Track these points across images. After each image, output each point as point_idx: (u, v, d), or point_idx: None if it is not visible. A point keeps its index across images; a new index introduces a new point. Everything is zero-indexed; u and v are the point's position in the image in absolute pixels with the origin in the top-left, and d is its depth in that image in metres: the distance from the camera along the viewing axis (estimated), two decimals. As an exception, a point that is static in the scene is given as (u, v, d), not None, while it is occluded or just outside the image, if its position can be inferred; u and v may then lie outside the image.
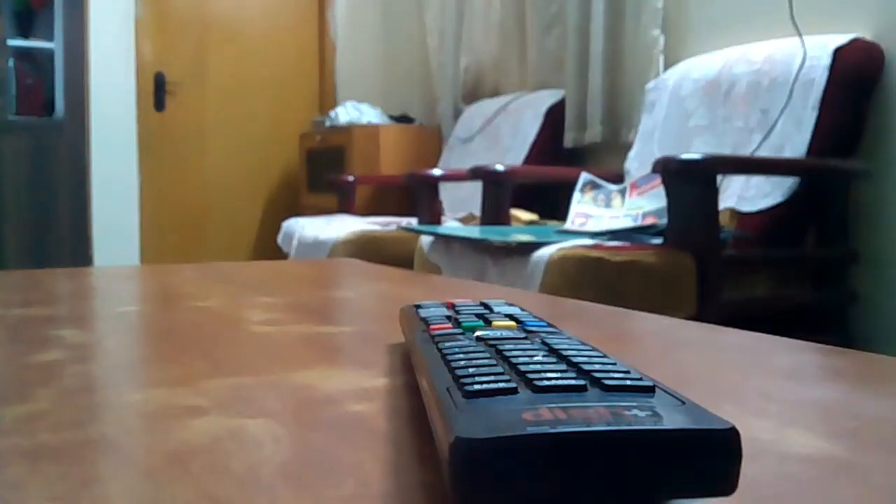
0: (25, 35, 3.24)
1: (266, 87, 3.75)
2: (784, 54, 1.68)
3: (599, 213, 1.80)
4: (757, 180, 1.63)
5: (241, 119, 3.70)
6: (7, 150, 3.05)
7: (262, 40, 3.75)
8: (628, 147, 2.06)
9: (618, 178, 1.97)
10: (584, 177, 1.89)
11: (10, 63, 3.14)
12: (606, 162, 2.30)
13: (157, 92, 3.45)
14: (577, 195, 1.87)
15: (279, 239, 2.56)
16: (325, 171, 3.17)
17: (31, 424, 0.24)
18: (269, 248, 3.67)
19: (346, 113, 3.24)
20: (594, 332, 0.43)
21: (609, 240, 1.47)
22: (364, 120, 3.19)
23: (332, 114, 3.30)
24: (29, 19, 3.26)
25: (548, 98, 2.47)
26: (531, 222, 2.02)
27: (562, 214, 1.94)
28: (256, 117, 3.73)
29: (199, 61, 3.61)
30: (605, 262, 1.27)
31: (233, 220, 3.73)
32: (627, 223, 1.63)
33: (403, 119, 3.32)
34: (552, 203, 2.17)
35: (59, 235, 3.16)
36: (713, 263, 1.34)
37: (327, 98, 3.78)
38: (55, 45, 3.23)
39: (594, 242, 1.41)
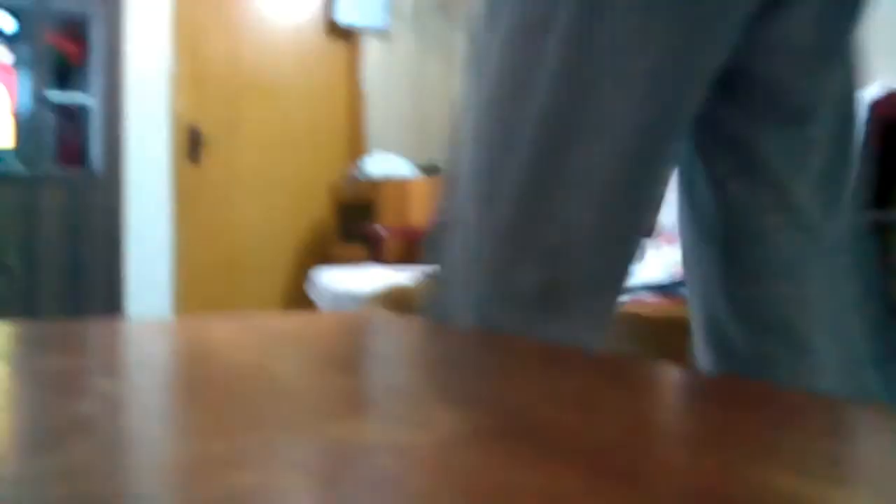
0: (64, 88, 3.34)
1: (298, 139, 3.81)
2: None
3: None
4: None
5: (273, 170, 3.77)
6: (44, 202, 3.12)
7: (295, 94, 3.84)
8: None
9: (650, 229, 1.96)
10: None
11: (49, 116, 3.24)
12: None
13: (192, 145, 3.52)
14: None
15: (308, 289, 2.58)
16: (355, 222, 3.20)
17: (68, 475, 0.24)
18: (300, 297, 3.69)
19: (376, 164, 3.29)
20: (638, 391, 0.42)
21: (645, 294, 1.45)
22: (393, 171, 3.23)
23: (361, 165, 3.34)
24: (67, 73, 3.36)
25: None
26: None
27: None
28: (288, 169, 3.79)
29: (233, 115, 3.69)
30: (642, 318, 1.26)
31: (265, 271, 3.76)
32: (662, 277, 1.62)
33: (432, 169, 3.36)
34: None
35: (93, 286, 3.21)
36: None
37: (357, 149, 3.84)
38: (92, 99, 3.32)
39: (629, 297, 1.39)
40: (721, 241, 0.81)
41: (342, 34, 3.92)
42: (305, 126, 3.84)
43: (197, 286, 3.59)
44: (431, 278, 0.76)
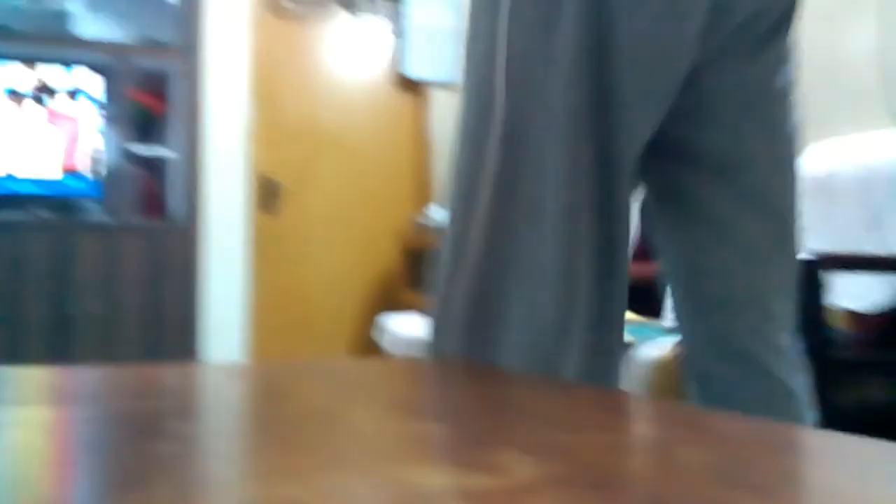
0: (146, 142, 3.50)
1: (368, 188, 3.90)
2: (888, 147, 1.64)
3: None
4: (869, 279, 1.56)
5: (344, 219, 3.85)
6: (125, 250, 3.25)
7: (365, 145, 3.93)
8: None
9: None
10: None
11: (131, 169, 3.38)
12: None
13: (267, 196, 3.63)
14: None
15: (375, 334, 2.60)
16: (422, 269, 3.23)
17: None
18: (368, 343, 3.73)
19: (441, 212, 3.33)
20: (704, 436, 0.42)
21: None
22: (459, 219, 3.26)
23: (428, 213, 3.39)
24: (148, 127, 3.51)
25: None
26: (631, 321, 1.98)
27: (661, 312, 1.90)
28: (359, 217, 3.87)
29: (306, 166, 3.80)
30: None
31: (335, 316, 3.82)
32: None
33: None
34: (652, 301, 2.12)
35: (170, 330, 3.31)
36: (820, 366, 1.27)
37: (424, 198, 3.89)
38: (172, 151, 3.47)
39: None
40: (683, 280, 0.89)
41: (410, 87, 4.02)
42: (375, 176, 3.92)
43: (269, 331, 3.67)
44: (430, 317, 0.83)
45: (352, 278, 3.84)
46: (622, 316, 0.80)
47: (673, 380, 1.24)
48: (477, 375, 0.66)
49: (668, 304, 1.78)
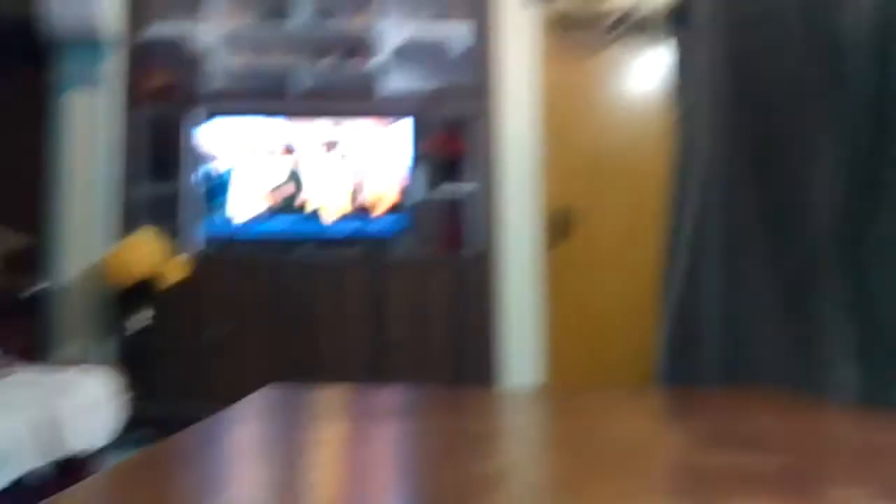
0: (449, 182, 3.76)
1: (659, 213, 3.81)
2: None
3: None
4: None
5: (636, 246, 3.80)
6: (432, 281, 3.51)
7: (657, 170, 3.84)
8: None
9: None
10: None
11: (437, 207, 3.65)
12: None
13: (560, 226, 3.71)
14: None
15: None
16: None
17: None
18: (662, 374, 3.62)
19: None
20: None
21: None
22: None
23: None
24: (451, 169, 3.78)
25: None
26: None
27: None
28: (654, 243, 3.78)
29: (598, 195, 3.82)
30: None
31: (631, 344, 3.77)
32: None
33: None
34: None
35: (473, 356, 3.50)
36: None
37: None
38: (472, 189, 3.69)
39: None
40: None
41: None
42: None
43: (565, 358, 3.72)
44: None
45: (647, 306, 3.76)
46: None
47: None
48: (786, 405, 0.61)
49: None
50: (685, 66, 0.91)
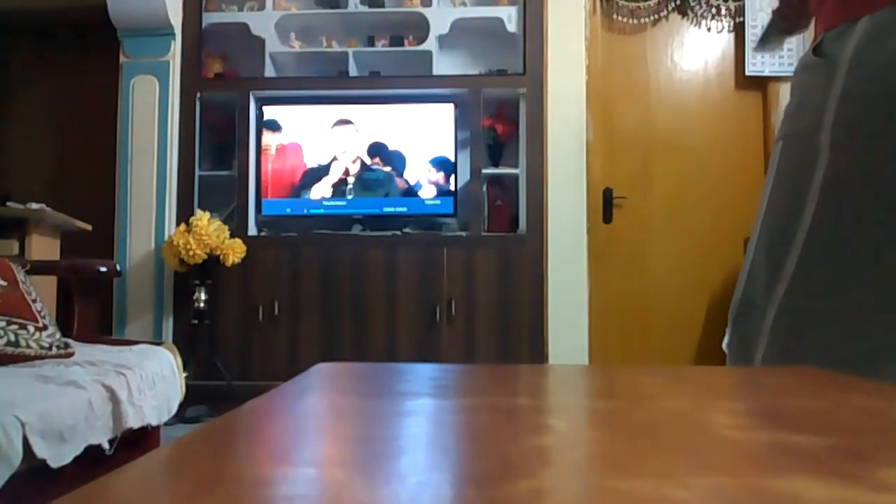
0: (496, 164, 3.76)
1: (707, 192, 3.75)
2: None
3: None
4: None
5: (683, 225, 3.75)
6: (480, 261, 3.51)
7: (704, 148, 3.79)
8: None
9: None
10: None
11: (484, 188, 3.65)
12: None
13: (606, 206, 3.68)
14: None
15: (724, 344, 2.49)
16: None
17: (540, 498, 0.28)
18: (713, 353, 3.57)
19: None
20: None
21: None
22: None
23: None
24: (499, 151, 3.78)
25: None
26: None
27: None
28: (698, 223, 3.74)
29: (644, 174, 3.78)
30: None
31: (674, 324, 3.73)
32: None
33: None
34: None
35: (520, 333, 3.50)
36: None
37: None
38: (519, 171, 3.68)
39: None
40: None
41: (753, 84, 3.79)
42: (715, 179, 3.76)
43: (610, 336, 3.70)
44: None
45: (692, 285, 3.73)
46: None
47: None
48: (840, 384, 0.61)
49: None
50: (810, 91, 1.00)
